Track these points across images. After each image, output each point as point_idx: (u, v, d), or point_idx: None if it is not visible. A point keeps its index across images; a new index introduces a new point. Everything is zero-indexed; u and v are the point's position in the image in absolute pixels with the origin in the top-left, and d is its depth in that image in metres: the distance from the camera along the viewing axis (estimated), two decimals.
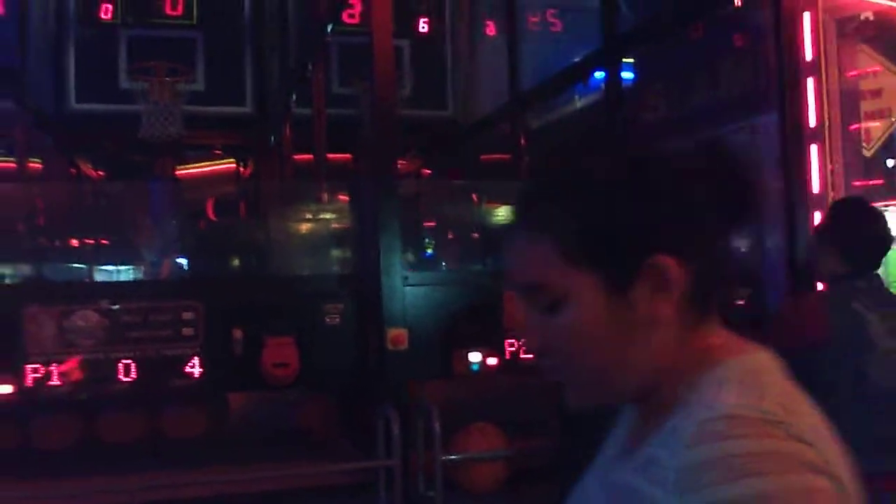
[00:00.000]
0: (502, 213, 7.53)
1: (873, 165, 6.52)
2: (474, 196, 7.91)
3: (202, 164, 10.52)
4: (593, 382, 0.98)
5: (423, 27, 9.14)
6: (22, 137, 6.90)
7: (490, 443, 3.55)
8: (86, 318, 3.51)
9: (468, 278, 4.38)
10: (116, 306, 3.54)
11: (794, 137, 4.34)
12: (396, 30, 9.19)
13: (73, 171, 8.98)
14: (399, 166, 10.34)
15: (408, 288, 3.80)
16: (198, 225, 8.26)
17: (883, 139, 6.92)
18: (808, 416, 0.95)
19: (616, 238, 0.95)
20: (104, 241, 8.20)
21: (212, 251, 7.60)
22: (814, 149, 4.51)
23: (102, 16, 8.14)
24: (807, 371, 2.94)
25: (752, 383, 0.98)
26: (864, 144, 6.85)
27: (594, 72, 6.50)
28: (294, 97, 7.47)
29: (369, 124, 3.73)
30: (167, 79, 7.62)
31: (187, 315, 3.61)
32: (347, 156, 9.52)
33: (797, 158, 4.31)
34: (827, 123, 6.38)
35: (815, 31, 4.60)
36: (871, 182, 6.36)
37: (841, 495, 0.88)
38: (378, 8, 3.77)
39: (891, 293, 3.34)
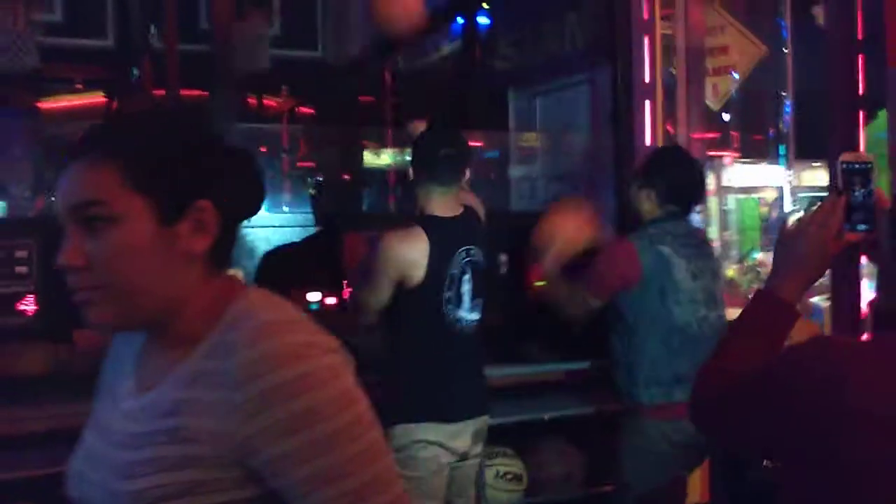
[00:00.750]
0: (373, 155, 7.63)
1: (715, 119, 6.90)
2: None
3: (68, 97, 10.18)
4: (122, 305, 1.22)
5: None
6: None
7: None
8: None
9: (309, 219, 4.51)
10: None
11: (625, 93, 4.58)
12: None
13: None
14: (269, 105, 10.29)
15: (248, 229, 3.91)
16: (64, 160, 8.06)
17: (728, 94, 7.32)
18: (310, 320, 1.25)
19: (174, 173, 1.19)
20: None
21: None
22: (647, 104, 4.77)
23: None
24: (613, 310, 3.21)
25: (273, 302, 1.27)
26: (712, 99, 7.24)
27: (455, 18, 6.63)
28: (153, 31, 7.33)
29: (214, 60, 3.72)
30: (20, 7, 7.34)
31: (20, 253, 3.62)
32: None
33: (627, 114, 4.56)
34: (677, 77, 6.69)
35: None
36: (709, 135, 6.74)
37: (349, 366, 1.20)
38: None
39: (699, 238, 3.62)
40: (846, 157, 1.59)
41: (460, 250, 3.20)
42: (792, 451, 1.39)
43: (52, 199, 7.24)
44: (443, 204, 3.22)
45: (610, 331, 3.53)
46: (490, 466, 3.89)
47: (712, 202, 7.83)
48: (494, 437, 3.96)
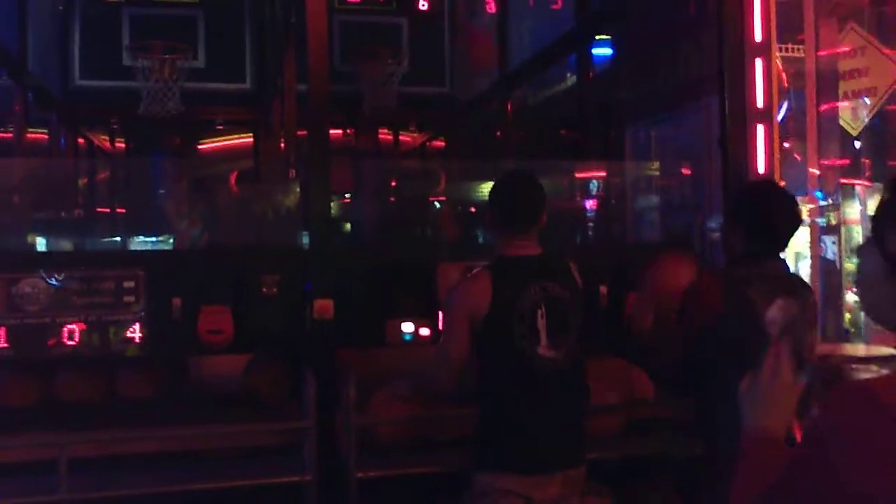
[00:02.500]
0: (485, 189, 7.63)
1: (846, 145, 6.50)
2: None
3: (223, 138, 10.81)
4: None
5: (423, 4, 9.28)
6: (20, 112, 7.21)
7: (398, 406, 3.73)
8: (33, 285, 3.75)
9: (403, 250, 4.57)
10: (62, 276, 3.76)
11: (735, 119, 4.38)
12: (395, 7, 9.35)
13: (81, 140, 9.31)
14: (404, 140, 10.50)
15: (341, 259, 4.00)
16: (223, 197, 8.54)
17: (868, 119, 6.91)
18: None
19: None
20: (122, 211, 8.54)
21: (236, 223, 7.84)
22: (760, 129, 4.55)
23: None
24: (699, 352, 3.03)
25: None
26: (850, 123, 6.85)
27: (570, 52, 6.59)
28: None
29: (308, 97, 3.81)
30: (167, 56, 7.86)
31: (128, 284, 3.82)
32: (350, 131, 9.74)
33: (737, 141, 4.35)
34: (807, 101, 6.40)
35: (764, 11, 4.60)
36: (838, 162, 6.37)
37: None
38: None
39: (791, 279, 3.36)
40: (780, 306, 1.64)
41: (533, 285, 3.05)
42: None
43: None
44: (518, 247, 3.12)
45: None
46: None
47: (857, 232, 7.35)
48: (590, 473, 3.84)
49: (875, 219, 1.40)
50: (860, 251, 1.44)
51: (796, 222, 3.31)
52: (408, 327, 4.10)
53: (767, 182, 3.73)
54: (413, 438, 3.66)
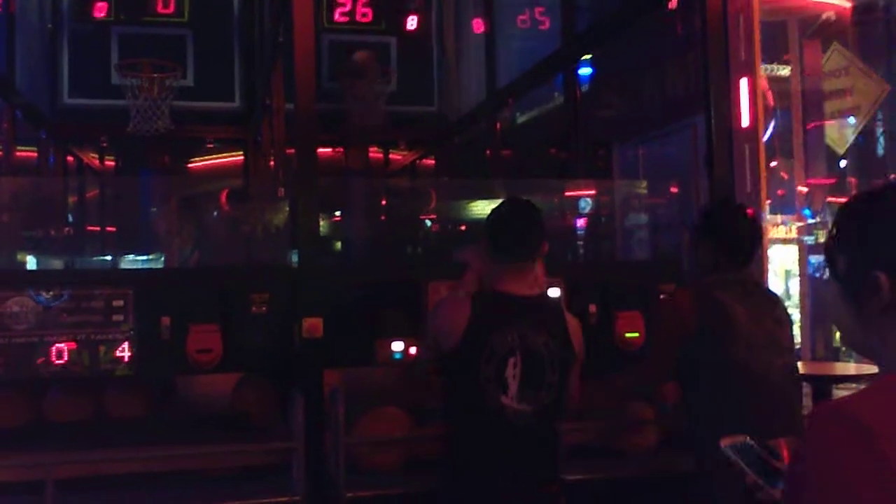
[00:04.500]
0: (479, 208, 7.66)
1: (833, 164, 6.56)
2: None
3: (213, 157, 10.82)
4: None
5: (411, 24, 9.34)
6: (9, 130, 7.20)
7: (390, 427, 3.72)
8: (21, 304, 3.74)
9: (394, 267, 4.57)
10: (50, 294, 3.75)
11: (720, 138, 4.41)
12: (384, 27, 9.42)
13: (70, 158, 9.30)
14: (394, 158, 10.51)
15: (331, 277, 4.00)
16: (213, 215, 8.54)
17: (853, 138, 6.98)
18: None
19: None
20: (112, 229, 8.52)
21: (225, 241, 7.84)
22: (746, 149, 4.59)
23: (96, 14, 8.47)
24: (685, 360, 3.11)
25: None
26: (837, 143, 6.92)
27: (558, 71, 6.62)
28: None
29: (294, 118, 3.82)
30: (156, 75, 7.89)
31: (117, 303, 3.81)
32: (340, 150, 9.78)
33: (722, 160, 4.38)
34: (793, 121, 6.43)
35: (748, 30, 4.65)
36: (825, 181, 6.42)
37: None
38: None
39: (758, 284, 3.54)
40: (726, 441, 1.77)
41: (512, 330, 2.87)
42: None
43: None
44: (513, 280, 2.94)
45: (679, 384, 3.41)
46: None
47: None
48: (579, 497, 3.84)
49: (827, 243, 1.42)
50: (821, 281, 1.49)
51: (758, 235, 3.49)
52: (397, 346, 4.08)
53: (729, 202, 3.88)
54: (404, 459, 3.66)
